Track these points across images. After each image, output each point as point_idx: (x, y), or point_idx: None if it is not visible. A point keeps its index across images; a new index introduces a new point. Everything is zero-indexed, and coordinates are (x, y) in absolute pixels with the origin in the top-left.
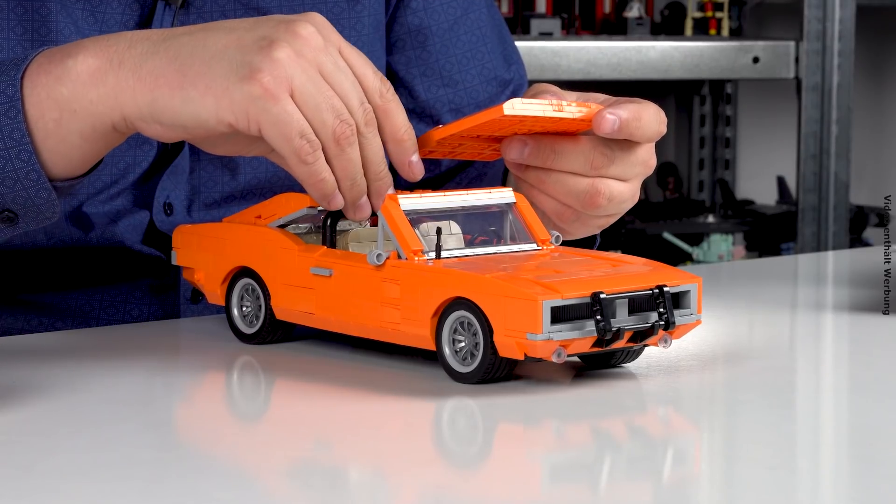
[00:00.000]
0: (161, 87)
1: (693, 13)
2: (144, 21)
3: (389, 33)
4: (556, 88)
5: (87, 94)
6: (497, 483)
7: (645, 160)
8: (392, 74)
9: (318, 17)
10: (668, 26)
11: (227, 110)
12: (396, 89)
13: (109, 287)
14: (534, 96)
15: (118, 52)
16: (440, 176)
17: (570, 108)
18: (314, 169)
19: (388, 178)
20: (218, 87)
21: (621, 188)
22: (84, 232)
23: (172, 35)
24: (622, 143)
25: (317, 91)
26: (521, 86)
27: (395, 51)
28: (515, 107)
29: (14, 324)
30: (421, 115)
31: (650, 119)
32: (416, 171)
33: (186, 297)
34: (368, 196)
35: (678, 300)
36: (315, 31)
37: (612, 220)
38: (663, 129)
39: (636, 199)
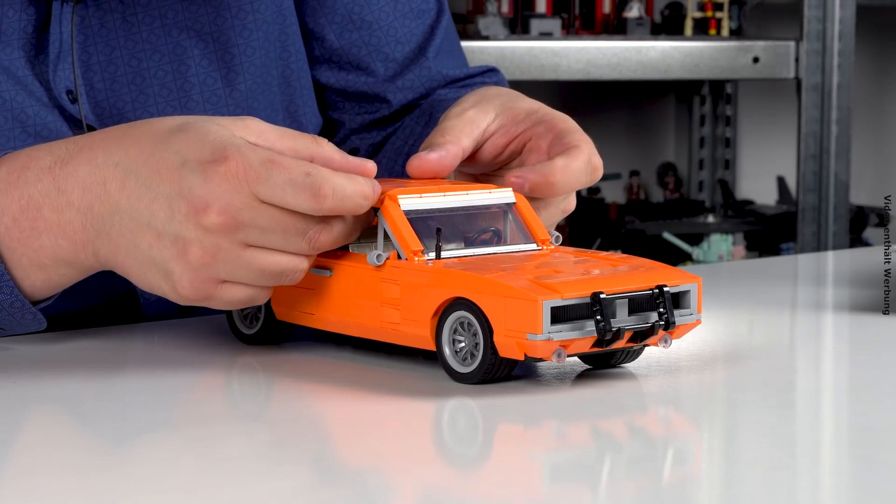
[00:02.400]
0: (123, 271)
1: (693, 13)
2: (43, 21)
3: None
4: (510, 94)
5: (63, 270)
6: (497, 483)
7: (556, 203)
8: (307, 31)
9: (233, 163)
10: (668, 26)
11: (183, 302)
12: (311, 43)
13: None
14: (477, 104)
15: (78, 233)
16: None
17: (468, 194)
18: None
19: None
20: (161, 289)
21: None
22: None
23: (108, 212)
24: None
25: (249, 270)
26: (442, 12)
27: (299, 5)
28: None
29: None
30: (341, 64)
31: (569, 179)
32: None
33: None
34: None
35: (678, 300)
36: (224, 206)
37: None
38: (591, 180)
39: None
